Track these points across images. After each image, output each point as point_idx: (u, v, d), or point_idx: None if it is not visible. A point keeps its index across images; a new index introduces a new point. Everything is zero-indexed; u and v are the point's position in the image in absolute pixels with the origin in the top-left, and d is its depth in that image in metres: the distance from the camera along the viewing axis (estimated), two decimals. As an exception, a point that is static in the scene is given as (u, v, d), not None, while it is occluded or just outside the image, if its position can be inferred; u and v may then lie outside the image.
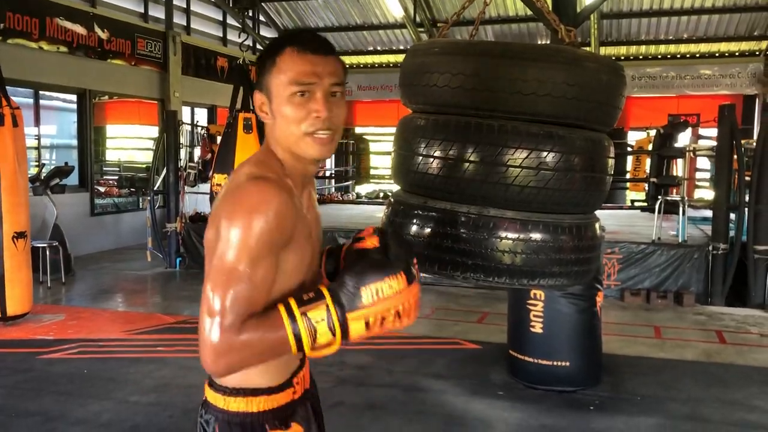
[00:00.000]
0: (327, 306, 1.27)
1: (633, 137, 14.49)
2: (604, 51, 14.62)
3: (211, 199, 5.11)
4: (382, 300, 1.29)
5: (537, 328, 4.39)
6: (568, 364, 4.37)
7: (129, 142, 13.42)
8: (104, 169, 12.10)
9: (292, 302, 1.28)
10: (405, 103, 2.77)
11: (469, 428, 3.90)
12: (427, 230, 2.38)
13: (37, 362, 4.94)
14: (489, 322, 6.26)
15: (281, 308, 1.27)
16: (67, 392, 4.35)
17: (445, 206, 2.39)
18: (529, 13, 10.56)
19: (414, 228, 2.43)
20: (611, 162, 2.56)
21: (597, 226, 2.63)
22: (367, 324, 1.30)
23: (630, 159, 12.96)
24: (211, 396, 1.46)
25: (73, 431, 3.77)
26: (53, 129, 10.88)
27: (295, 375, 1.50)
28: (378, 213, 11.20)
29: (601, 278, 4.59)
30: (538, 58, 2.35)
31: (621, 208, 11.92)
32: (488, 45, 2.74)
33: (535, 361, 4.41)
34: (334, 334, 1.28)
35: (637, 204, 12.69)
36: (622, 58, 14.73)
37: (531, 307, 4.40)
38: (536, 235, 2.32)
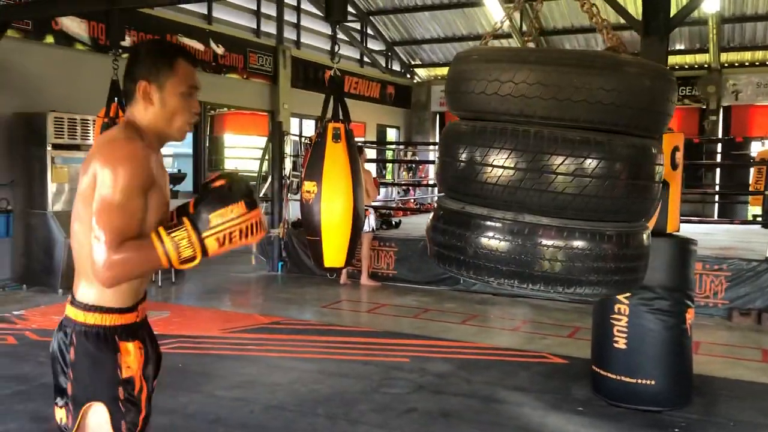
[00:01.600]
0: (186, 229, 1.71)
1: (756, 148, 13.57)
2: (725, 57, 13.83)
3: (301, 206, 5.30)
4: (228, 222, 1.73)
5: (621, 343, 4.23)
6: (653, 382, 4.17)
7: (245, 151, 14.11)
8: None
9: (161, 229, 1.71)
10: (450, 110, 2.85)
11: (542, 442, 3.82)
12: (465, 236, 2.40)
13: (140, 355, 5.29)
14: (580, 337, 6.07)
15: (153, 234, 1.70)
16: (161, 383, 4.55)
17: (482, 212, 2.39)
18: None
19: (453, 234, 2.46)
20: (659, 169, 2.45)
21: (644, 235, 2.53)
22: (219, 241, 1.73)
23: (752, 171, 12.15)
24: (72, 312, 1.83)
25: (161, 420, 4.01)
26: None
27: (140, 303, 1.91)
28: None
29: (692, 294, 4.35)
30: (575, 63, 2.31)
31: (739, 222, 11.18)
32: (523, 51, 2.72)
33: (618, 377, 4.25)
34: (194, 250, 1.71)
35: (759, 219, 11.86)
36: (746, 64, 13.87)
37: (615, 322, 4.25)
38: (574, 243, 2.27)
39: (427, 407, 4.27)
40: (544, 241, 2.26)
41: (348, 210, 5.07)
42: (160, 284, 7.95)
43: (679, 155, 4.25)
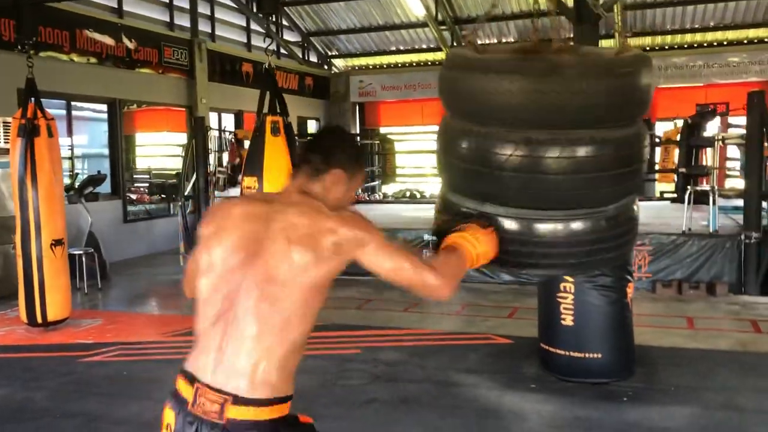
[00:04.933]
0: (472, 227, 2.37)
1: (662, 128, 14.32)
2: (629, 42, 14.48)
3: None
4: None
5: (568, 320, 4.40)
6: (600, 356, 4.37)
7: (158, 149, 13.66)
8: (135, 176, 12.31)
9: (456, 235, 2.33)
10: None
11: (503, 421, 3.93)
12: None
13: (78, 365, 5.08)
14: (519, 317, 6.27)
15: (450, 241, 2.32)
16: (109, 393, 4.47)
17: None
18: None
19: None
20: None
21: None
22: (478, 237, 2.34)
23: (659, 150, 12.82)
24: (247, 413, 1.65)
25: (117, 430, 3.89)
26: (84, 139, 11.14)
27: None
28: (404, 212, 11.17)
29: (631, 269, 4.58)
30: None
31: (650, 199, 11.80)
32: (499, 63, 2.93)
33: (567, 353, 4.42)
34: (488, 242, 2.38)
35: (666, 195, 12.55)
36: (648, 48, 14.58)
37: (561, 300, 4.41)
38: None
39: (386, 396, 4.30)
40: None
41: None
42: (86, 291, 7.61)
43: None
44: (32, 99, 5.84)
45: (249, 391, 1.64)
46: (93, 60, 9.48)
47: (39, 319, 5.82)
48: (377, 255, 1.75)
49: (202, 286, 1.76)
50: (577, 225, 2.81)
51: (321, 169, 1.85)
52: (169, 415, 1.73)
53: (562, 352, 4.45)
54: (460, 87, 2.85)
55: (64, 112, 9.39)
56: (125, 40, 10.07)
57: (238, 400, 1.64)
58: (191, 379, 1.70)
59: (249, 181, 5.23)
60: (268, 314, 1.67)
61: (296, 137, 5.52)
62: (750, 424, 3.77)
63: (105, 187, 9.63)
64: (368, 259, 1.75)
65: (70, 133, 9.52)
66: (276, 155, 5.19)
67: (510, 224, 2.76)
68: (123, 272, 8.90)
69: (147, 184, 12.25)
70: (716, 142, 8.59)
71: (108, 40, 9.74)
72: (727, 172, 10.96)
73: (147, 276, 8.83)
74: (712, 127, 10.90)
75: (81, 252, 7.69)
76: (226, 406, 1.63)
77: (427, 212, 9.76)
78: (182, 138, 12.01)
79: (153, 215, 10.98)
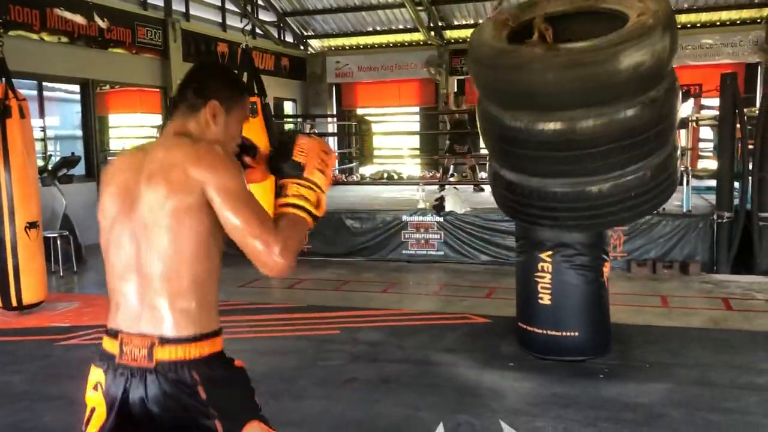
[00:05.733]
0: (296, 183, 1.80)
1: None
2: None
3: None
4: (309, 151, 1.84)
5: (545, 299, 4.46)
6: (577, 334, 4.44)
7: (133, 131, 13.46)
8: (109, 158, 12.13)
9: (286, 198, 1.79)
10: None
11: (481, 399, 3.98)
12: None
13: (55, 349, 5.04)
14: (497, 296, 6.34)
15: (280, 204, 1.78)
16: (86, 376, 4.43)
17: None
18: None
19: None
20: None
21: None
22: (320, 171, 1.83)
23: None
24: (174, 352, 1.65)
25: (96, 413, 3.87)
26: (57, 120, 10.93)
27: None
28: (384, 193, 11.11)
29: (608, 249, 4.64)
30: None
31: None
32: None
33: (544, 332, 4.49)
34: (315, 192, 1.81)
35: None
36: (623, 30, 14.65)
37: (539, 280, 4.46)
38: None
39: (366, 376, 4.33)
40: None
41: (270, 187, 5.01)
42: (61, 274, 7.53)
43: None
44: (3, 79, 5.73)
45: (173, 331, 1.64)
46: (64, 39, 9.30)
47: (14, 303, 5.75)
48: (220, 200, 1.63)
49: (103, 245, 1.77)
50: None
51: (196, 104, 1.79)
52: (95, 373, 1.73)
53: (540, 331, 4.51)
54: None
55: (35, 92, 9.20)
56: (97, 19, 9.88)
57: (164, 341, 1.64)
58: (115, 334, 1.70)
59: (227, 163, 5.20)
60: (162, 253, 1.65)
61: (273, 118, 5.47)
62: (722, 399, 3.86)
63: (79, 169, 9.50)
64: (215, 205, 1.64)
65: (42, 114, 9.35)
66: (253, 136, 5.14)
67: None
68: (99, 255, 8.61)
69: (122, 166, 12.06)
70: (690, 123, 8.68)
71: (80, 19, 9.54)
72: (700, 153, 11.09)
73: (123, 259, 8.73)
74: (685, 109, 11.00)
75: (56, 235, 7.59)
76: (154, 349, 1.64)
77: (404, 193, 9.81)
78: (157, 119, 11.86)
79: (128, 197, 10.82)
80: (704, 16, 13.91)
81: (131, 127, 13.32)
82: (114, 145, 13.03)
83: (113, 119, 12.51)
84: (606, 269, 4.53)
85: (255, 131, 5.17)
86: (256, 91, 5.30)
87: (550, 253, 4.41)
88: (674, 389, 4.01)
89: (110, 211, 1.75)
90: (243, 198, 1.64)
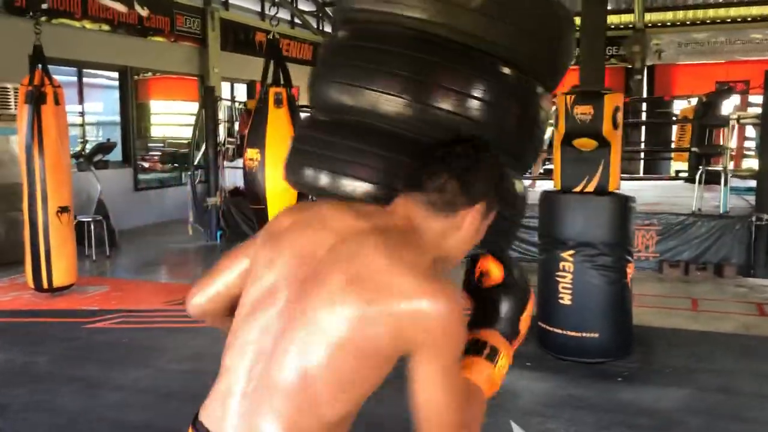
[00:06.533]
0: (506, 356, 1.43)
1: (679, 106, 14.11)
2: (649, 17, 14.22)
3: (245, 174, 5.19)
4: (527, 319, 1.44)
5: (566, 299, 4.38)
6: (597, 335, 4.35)
7: (173, 118, 13.64)
8: (149, 145, 12.32)
9: (485, 367, 1.38)
10: None
11: (496, 399, 3.90)
12: None
13: (82, 331, 5.15)
14: (522, 294, 6.24)
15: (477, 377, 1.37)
16: (109, 360, 4.53)
17: None
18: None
19: None
20: None
21: None
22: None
23: (675, 128, 12.63)
24: None
25: (114, 396, 3.95)
26: (99, 106, 11.16)
27: None
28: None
29: (632, 250, 4.53)
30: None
31: (662, 178, 11.65)
32: None
33: (564, 332, 4.41)
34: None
35: (681, 175, 12.39)
36: (668, 24, 14.30)
37: (560, 279, 4.38)
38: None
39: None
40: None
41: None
42: (94, 258, 7.68)
43: (620, 115, 4.36)
44: (39, 65, 5.85)
45: None
46: (105, 27, 9.47)
47: (45, 285, 5.89)
48: (426, 373, 1.17)
49: (238, 312, 1.33)
50: None
51: (455, 203, 1.27)
52: None
53: (560, 331, 4.43)
54: None
55: (75, 79, 9.40)
56: (137, 8, 10.04)
57: None
58: None
59: (252, 153, 5.22)
60: (300, 369, 1.18)
61: (299, 108, 5.48)
62: (745, 408, 3.74)
63: (116, 155, 9.69)
64: (411, 375, 1.18)
65: (81, 100, 9.55)
66: (279, 127, 5.17)
67: None
68: (132, 240, 8.97)
69: (160, 153, 12.28)
70: (730, 121, 8.40)
71: (120, 8, 9.70)
72: (745, 152, 10.77)
73: (156, 244, 8.90)
74: (729, 106, 10.68)
75: (90, 219, 7.75)
76: None
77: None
78: (195, 107, 12.00)
79: (164, 184, 11.04)
80: (754, 10, 13.48)
81: (172, 114, 13.51)
82: (156, 131, 13.26)
83: (155, 106, 12.71)
84: (630, 270, 4.42)
85: (280, 122, 5.18)
86: (282, 82, 5.30)
87: (572, 252, 4.32)
88: (695, 396, 3.90)
89: (267, 279, 1.29)
90: (449, 387, 1.19)
